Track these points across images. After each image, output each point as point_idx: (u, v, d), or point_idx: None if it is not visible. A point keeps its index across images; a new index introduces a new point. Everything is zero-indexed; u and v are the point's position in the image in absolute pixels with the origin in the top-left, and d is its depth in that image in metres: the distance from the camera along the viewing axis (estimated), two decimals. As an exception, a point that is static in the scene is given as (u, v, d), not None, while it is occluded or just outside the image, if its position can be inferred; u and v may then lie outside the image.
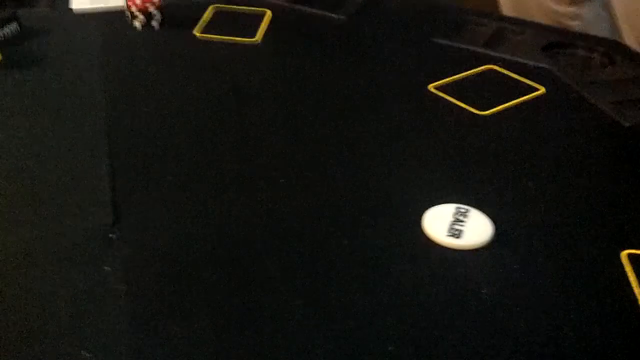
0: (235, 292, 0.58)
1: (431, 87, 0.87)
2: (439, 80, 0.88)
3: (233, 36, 0.95)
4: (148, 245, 0.63)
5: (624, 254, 0.62)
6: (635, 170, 0.75)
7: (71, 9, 1.00)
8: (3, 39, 0.92)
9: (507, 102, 0.84)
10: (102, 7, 1.00)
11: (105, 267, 0.61)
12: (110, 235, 0.64)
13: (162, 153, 0.75)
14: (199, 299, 0.58)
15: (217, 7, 1.02)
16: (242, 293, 0.58)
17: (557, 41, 0.96)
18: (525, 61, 0.92)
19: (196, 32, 0.96)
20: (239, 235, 0.64)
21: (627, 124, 0.81)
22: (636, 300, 0.58)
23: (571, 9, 1.32)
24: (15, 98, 0.84)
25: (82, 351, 0.53)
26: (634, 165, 0.75)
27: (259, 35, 0.96)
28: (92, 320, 0.56)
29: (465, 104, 0.84)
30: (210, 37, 0.96)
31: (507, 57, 0.93)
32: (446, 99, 0.84)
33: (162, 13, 0.97)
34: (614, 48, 0.96)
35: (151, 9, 0.96)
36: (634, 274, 0.61)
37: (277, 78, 0.90)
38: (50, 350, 0.53)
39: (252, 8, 1.01)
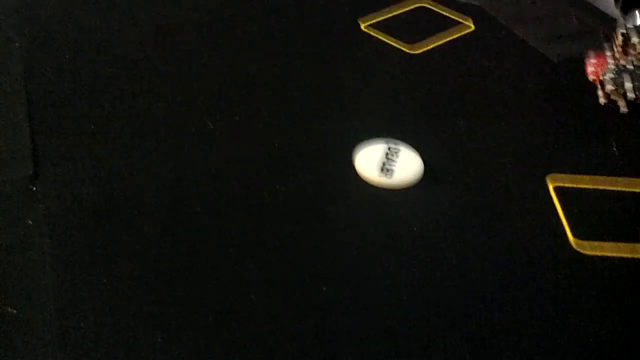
0: (163, 239, 0.57)
1: (363, 24, 0.85)
2: (371, 16, 0.86)
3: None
4: (71, 196, 0.61)
5: (551, 186, 0.63)
6: (562, 102, 0.75)
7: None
8: None
9: (437, 39, 0.84)
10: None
11: (29, 221, 0.58)
12: (32, 187, 0.61)
13: (82, 101, 0.71)
14: (124, 248, 0.56)
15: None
16: (170, 240, 0.57)
17: (487, -24, 0.96)
18: (456, -3, 0.91)
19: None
20: (166, 180, 0.63)
21: (554, 59, 0.82)
22: (563, 231, 0.59)
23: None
24: None
25: (7, 307, 0.51)
26: (561, 98, 0.76)
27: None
28: (16, 276, 0.54)
29: (397, 41, 0.83)
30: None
31: (438, -7, 0.91)
32: (378, 37, 0.83)
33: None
34: (542, -17, 0.96)
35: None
36: (560, 206, 0.62)
37: (202, 16, 0.86)
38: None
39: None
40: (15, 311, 0.51)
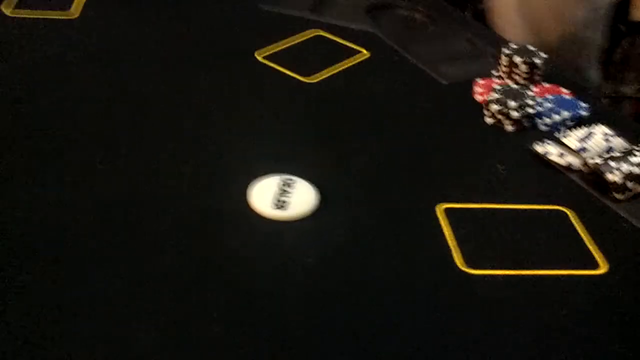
0: (51, 275, 0.56)
1: (258, 54, 0.86)
2: (265, 47, 0.87)
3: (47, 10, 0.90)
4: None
5: (439, 207, 0.66)
6: (451, 124, 0.78)
7: None
8: None
9: (332, 67, 0.86)
10: None
11: None
12: None
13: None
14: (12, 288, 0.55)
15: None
16: (59, 276, 0.56)
17: (380, 3, 0.99)
18: (350, 25, 0.94)
19: (4, 9, 0.90)
20: (51, 216, 0.61)
21: (444, 81, 0.85)
22: (451, 253, 0.61)
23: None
24: None
25: None
26: (451, 120, 0.79)
27: (74, 9, 0.91)
28: None
29: (292, 71, 0.84)
30: (24, 14, 0.90)
31: (333, 21, 0.94)
32: (273, 67, 0.84)
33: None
34: (435, 7, 1.00)
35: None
36: (448, 226, 0.64)
37: (89, 38, 0.86)
38: None
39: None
40: None
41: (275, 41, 0.88)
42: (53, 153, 0.68)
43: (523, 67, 0.83)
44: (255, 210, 0.64)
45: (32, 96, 0.77)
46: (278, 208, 0.64)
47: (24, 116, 0.73)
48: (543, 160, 0.73)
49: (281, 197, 0.65)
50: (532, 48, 0.84)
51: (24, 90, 0.77)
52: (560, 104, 0.79)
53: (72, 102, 0.76)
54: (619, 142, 0.73)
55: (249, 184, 0.66)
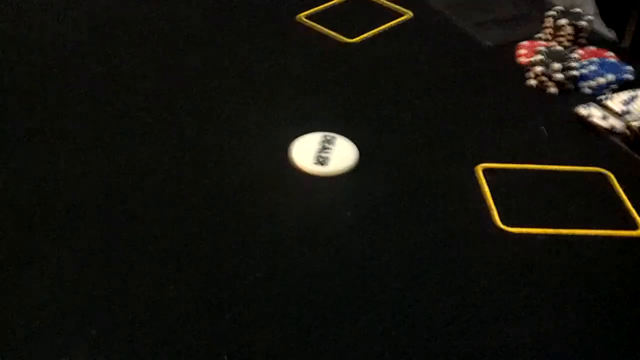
0: (93, 233, 0.58)
1: (300, 16, 0.87)
2: (308, 9, 0.88)
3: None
4: (4, 204, 0.61)
5: (479, 167, 0.66)
6: (493, 87, 0.78)
7: None
8: None
9: (375, 28, 0.86)
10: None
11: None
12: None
13: (16, 98, 0.72)
14: (58, 247, 0.57)
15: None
16: (99, 233, 0.58)
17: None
18: (393, -14, 0.93)
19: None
20: (93, 180, 0.63)
21: (488, 44, 0.84)
22: (490, 212, 0.62)
23: None
24: None
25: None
26: (493, 83, 0.79)
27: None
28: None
29: (334, 31, 0.84)
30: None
31: (376, -18, 0.93)
32: (315, 28, 0.85)
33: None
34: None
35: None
36: (487, 188, 0.64)
37: (135, 8, 0.87)
38: None
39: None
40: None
41: (317, 4, 0.89)
42: (116, 116, 0.71)
43: (568, 29, 0.82)
44: (297, 166, 0.65)
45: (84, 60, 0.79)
46: (318, 164, 0.65)
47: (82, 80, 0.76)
48: (585, 122, 0.72)
49: (322, 153, 0.66)
50: (577, 10, 0.83)
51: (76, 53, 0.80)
52: (605, 67, 0.78)
53: (112, 68, 0.77)
54: (664, 106, 0.72)
55: (291, 141, 0.67)
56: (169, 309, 0.52)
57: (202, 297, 0.53)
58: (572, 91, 0.77)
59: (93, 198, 0.61)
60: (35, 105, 0.72)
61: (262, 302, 0.53)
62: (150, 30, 0.84)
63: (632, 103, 0.73)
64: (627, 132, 0.70)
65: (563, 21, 0.81)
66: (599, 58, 0.80)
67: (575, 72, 0.76)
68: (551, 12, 0.82)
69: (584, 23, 0.81)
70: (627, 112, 0.72)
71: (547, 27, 0.83)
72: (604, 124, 0.71)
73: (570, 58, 0.77)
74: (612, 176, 0.66)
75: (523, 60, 0.81)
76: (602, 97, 0.75)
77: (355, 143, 0.67)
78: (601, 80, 0.77)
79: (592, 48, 0.82)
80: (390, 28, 0.86)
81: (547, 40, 0.83)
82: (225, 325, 0.51)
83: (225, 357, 0.49)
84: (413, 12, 0.89)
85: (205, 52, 0.81)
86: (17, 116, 0.70)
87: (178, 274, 0.55)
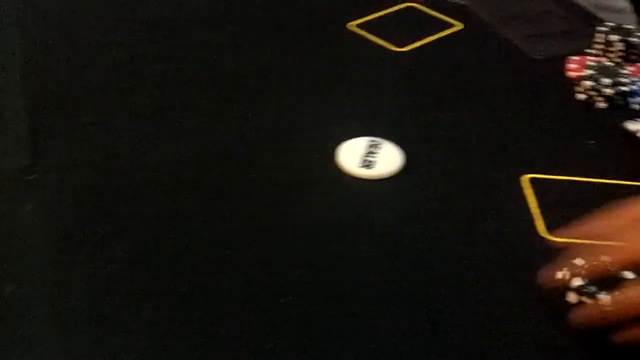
0: (152, 226, 0.60)
1: (351, 24, 0.88)
2: (359, 18, 0.89)
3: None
4: (67, 184, 0.64)
5: (525, 177, 0.66)
6: (541, 99, 0.78)
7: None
8: None
9: (424, 38, 0.87)
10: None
11: (25, 208, 0.62)
12: (29, 177, 0.64)
13: (78, 93, 0.75)
14: (116, 233, 0.59)
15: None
16: (159, 226, 0.60)
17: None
18: (445, -2, 0.94)
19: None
20: (155, 169, 0.66)
21: (537, 57, 0.85)
22: (534, 221, 0.62)
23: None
24: None
25: (5, 284, 0.54)
26: (541, 95, 0.79)
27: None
28: (14, 257, 0.57)
29: (384, 40, 0.86)
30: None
31: (427, -6, 0.95)
32: (365, 36, 0.86)
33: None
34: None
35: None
36: (533, 197, 0.64)
37: (195, 12, 0.90)
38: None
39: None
40: (12, 289, 0.54)
41: (368, 12, 0.90)
42: (158, 111, 0.73)
43: (619, 46, 0.81)
44: (343, 168, 0.66)
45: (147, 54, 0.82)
46: (364, 167, 0.66)
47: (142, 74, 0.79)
48: (634, 138, 0.72)
49: (368, 157, 0.67)
50: (629, 27, 0.83)
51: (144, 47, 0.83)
52: (656, 83, 0.78)
53: (172, 67, 0.80)
54: None
55: (339, 144, 0.68)
56: (226, 287, 0.53)
57: (244, 287, 0.54)
58: (621, 107, 0.77)
59: (144, 189, 0.63)
60: (99, 100, 0.75)
61: (304, 295, 0.54)
62: (208, 32, 0.86)
63: (682, 120, 0.72)
64: (677, 148, 0.70)
65: (614, 37, 0.81)
66: (649, 75, 0.79)
67: (624, 88, 0.76)
68: (602, 28, 0.82)
69: (635, 39, 0.81)
70: (677, 129, 0.71)
71: (597, 43, 0.83)
72: (652, 139, 0.71)
73: (620, 74, 0.77)
74: (659, 192, 0.66)
75: (572, 74, 0.81)
76: (652, 113, 0.75)
77: (401, 148, 0.68)
78: (651, 96, 0.76)
79: (643, 65, 0.82)
80: (440, 38, 0.87)
81: (597, 55, 0.83)
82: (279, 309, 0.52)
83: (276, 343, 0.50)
84: (463, 23, 0.89)
85: (258, 55, 0.83)
86: (86, 110, 0.73)
87: (224, 265, 0.56)
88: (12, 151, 0.67)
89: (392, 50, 0.84)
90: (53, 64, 0.79)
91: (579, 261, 0.52)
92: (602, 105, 0.76)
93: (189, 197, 0.63)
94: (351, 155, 0.67)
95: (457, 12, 0.91)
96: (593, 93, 0.77)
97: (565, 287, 0.52)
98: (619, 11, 1.05)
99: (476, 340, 0.51)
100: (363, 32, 0.87)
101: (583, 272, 0.51)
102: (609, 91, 0.76)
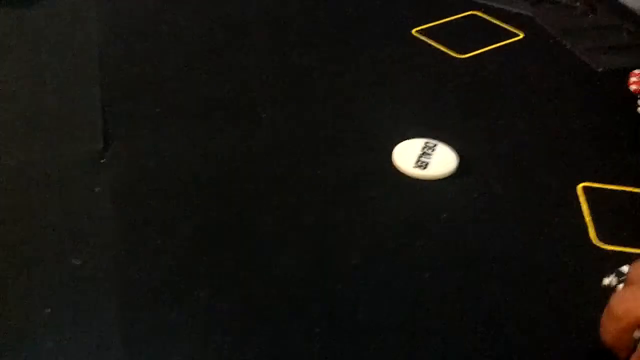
0: (214, 208, 0.63)
1: (414, 31, 0.90)
2: (423, 24, 0.91)
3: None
4: (135, 168, 0.68)
5: (580, 186, 0.67)
6: (600, 111, 0.78)
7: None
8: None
9: (486, 46, 0.88)
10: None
11: (95, 189, 0.65)
12: (100, 160, 0.68)
13: (151, 85, 0.79)
14: (178, 214, 0.62)
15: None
16: (220, 208, 0.63)
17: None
18: (508, 8, 0.95)
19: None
20: (219, 158, 0.69)
21: (599, 69, 0.85)
22: (587, 228, 0.62)
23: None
24: (15, 34, 0.88)
25: (72, 259, 0.58)
26: (600, 107, 0.79)
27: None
28: (82, 235, 0.61)
29: (446, 47, 0.87)
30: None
31: (490, 3, 0.96)
32: (428, 42, 0.88)
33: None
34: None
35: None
36: (587, 205, 0.65)
37: (267, 14, 0.93)
38: (44, 258, 0.58)
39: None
40: (79, 262, 0.58)
41: (432, 19, 0.92)
42: (227, 105, 0.76)
43: (684, 61, 0.81)
44: (398, 168, 0.68)
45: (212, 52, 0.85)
46: (419, 167, 0.67)
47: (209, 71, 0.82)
48: (694, 152, 0.71)
49: (423, 157, 0.68)
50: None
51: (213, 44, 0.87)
52: None
53: (243, 64, 0.83)
54: None
55: (395, 145, 0.70)
56: (285, 272, 0.56)
57: (301, 274, 0.57)
58: (683, 121, 0.76)
59: (212, 179, 0.66)
60: (170, 91, 0.79)
61: (360, 286, 0.56)
62: (278, 32, 0.89)
63: None
64: None
65: (679, 51, 0.81)
66: None
67: (687, 102, 0.75)
68: (668, 42, 0.82)
69: (701, 55, 0.80)
70: None
71: (662, 57, 0.82)
72: None
73: (684, 88, 0.76)
74: None
75: (634, 87, 0.81)
76: None
77: (457, 151, 0.69)
78: None
79: None
80: (501, 47, 0.88)
81: (661, 70, 0.83)
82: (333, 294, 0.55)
83: (317, 330, 0.52)
84: (525, 33, 0.90)
85: (324, 56, 0.85)
86: (156, 100, 0.77)
87: (294, 245, 0.59)
88: (86, 137, 0.71)
89: (453, 57, 0.85)
90: (129, 57, 0.84)
91: (625, 268, 0.52)
92: (663, 119, 0.76)
93: (251, 187, 0.66)
94: (406, 155, 0.69)
95: (521, 22, 0.92)
96: (654, 106, 0.76)
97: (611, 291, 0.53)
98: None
99: (530, 339, 0.52)
100: (426, 38, 0.89)
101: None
102: (671, 105, 0.75)
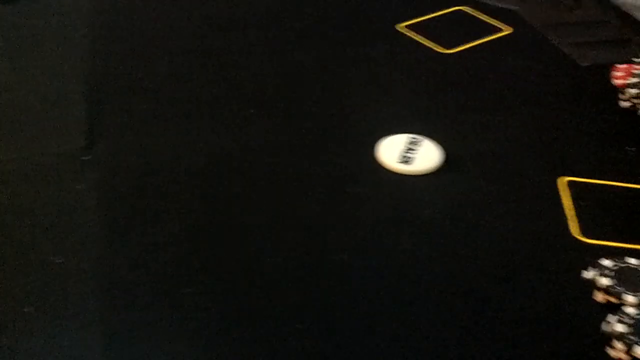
0: (198, 205, 0.63)
1: (400, 25, 0.90)
2: (409, 19, 0.91)
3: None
4: (119, 167, 0.68)
5: (562, 180, 0.67)
6: (584, 105, 0.78)
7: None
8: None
9: (472, 41, 0.88)
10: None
11: (78, 186, 0.65)
12: (83, 157, 0.68)
13: (139, 82, 0.79)
14: (163, 211, 0.62)
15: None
16: (205, 205, 0.63)
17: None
18: (494, 3, 0.95)
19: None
20: (205, 155, 0.69)
21: (584, 64, 0.85)
22: (570, 222, 0.63)
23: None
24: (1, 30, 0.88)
25: (54, 257, 0.58)
26: (584, 101, 0.79)
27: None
28: (64, 233, 0.61)
29: (432, 42, 0.87)
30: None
31: (477, -2, 0.96)
32: (413, 38, 0.88)
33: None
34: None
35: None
36: (570, 199, 0.65)
37: (254, 14, 0.93)
38: (23, 257, 0.58)
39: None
40: (61, 260, 0.57)
41: (418, 15, 0.92)
42: (214, 104, 0.76)
43: (668, 55, 0.81)
44: (382, 163, 0.68)
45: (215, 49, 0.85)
46: (403, 162, 0.67)
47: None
48: (677, 146, 0.72)
49: (407, 153, 0.68)
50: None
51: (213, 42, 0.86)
52: None
53: (230, 64, 0.83)
54: None
55: (379, 141, 0.70)
56: (273, 269, 0.56)
57: (290, 270, 0.57)
58: (667, 115, 0.76)
59: (198, 177, 0.67)
60: (158, 88, 0.79)
61: (349, 280, 0.56)
62: (265, 30, 0.90)
63: None
64: None
65: (664, 46, 0.81)
66: (698, 85, 0.79)
67: (671, 97, 0.76)
68: (652, 37, 0.82)
69: (685, 49, 0.81)
70: None
71: (646, 51, 0.83)
72: (696, 149, 0.71)
73: (668, 82, 0.77)
74: (699, 200, 0.65)
75: (618, 82, 0.81)
76: (698, 123, 0.74)
77: (442, 146, 0.69)
78: (698, 106, 0.76)
79: (692, 75, 0.81)
80: (488, 42, 0.88)
81: (645, 64, 0.83)
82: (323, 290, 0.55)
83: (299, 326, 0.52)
84: (512, 28, 0.90)
85: (307, 53, 0.85)
86: (144, 97, 0.77)
87: (281, 240, 0.59)
88: (70, 132, 0.71)
89: (439, 52, 0.85)
90: (115, 52, 0.84)
91: (607, 262, 0.52)
92: (647, 113, 0.76)
93: (237, 185, 0.66)
94: (391, 150, 0.69)
95: (507, 17, 0.92)
96: (637, 101, 0.76)
97: (594, 286, 0.53)
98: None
99: (515, 331, 0.53)
100: (411, 33, 0.89)
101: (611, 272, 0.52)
102: (654, 99, 0.76)
